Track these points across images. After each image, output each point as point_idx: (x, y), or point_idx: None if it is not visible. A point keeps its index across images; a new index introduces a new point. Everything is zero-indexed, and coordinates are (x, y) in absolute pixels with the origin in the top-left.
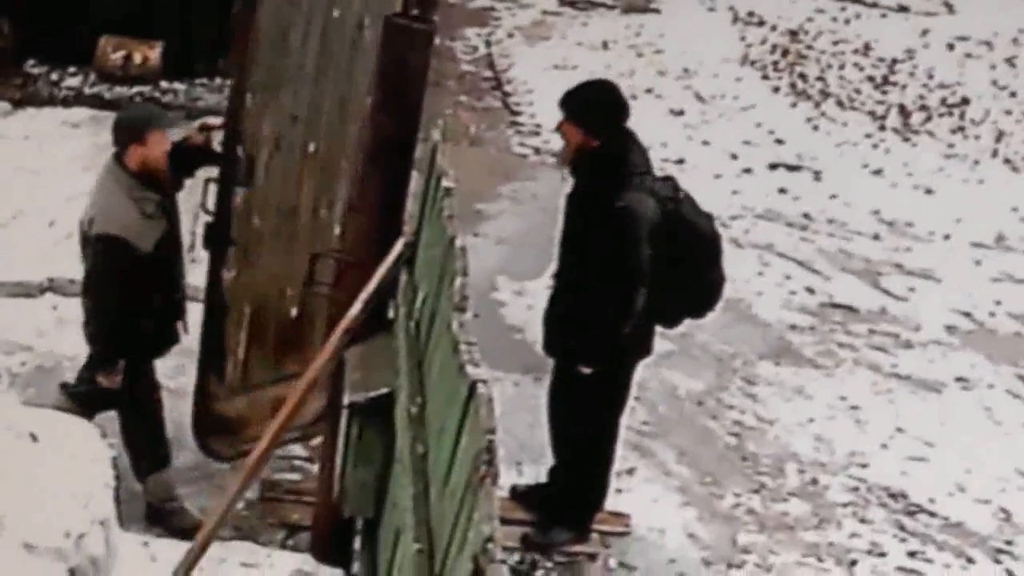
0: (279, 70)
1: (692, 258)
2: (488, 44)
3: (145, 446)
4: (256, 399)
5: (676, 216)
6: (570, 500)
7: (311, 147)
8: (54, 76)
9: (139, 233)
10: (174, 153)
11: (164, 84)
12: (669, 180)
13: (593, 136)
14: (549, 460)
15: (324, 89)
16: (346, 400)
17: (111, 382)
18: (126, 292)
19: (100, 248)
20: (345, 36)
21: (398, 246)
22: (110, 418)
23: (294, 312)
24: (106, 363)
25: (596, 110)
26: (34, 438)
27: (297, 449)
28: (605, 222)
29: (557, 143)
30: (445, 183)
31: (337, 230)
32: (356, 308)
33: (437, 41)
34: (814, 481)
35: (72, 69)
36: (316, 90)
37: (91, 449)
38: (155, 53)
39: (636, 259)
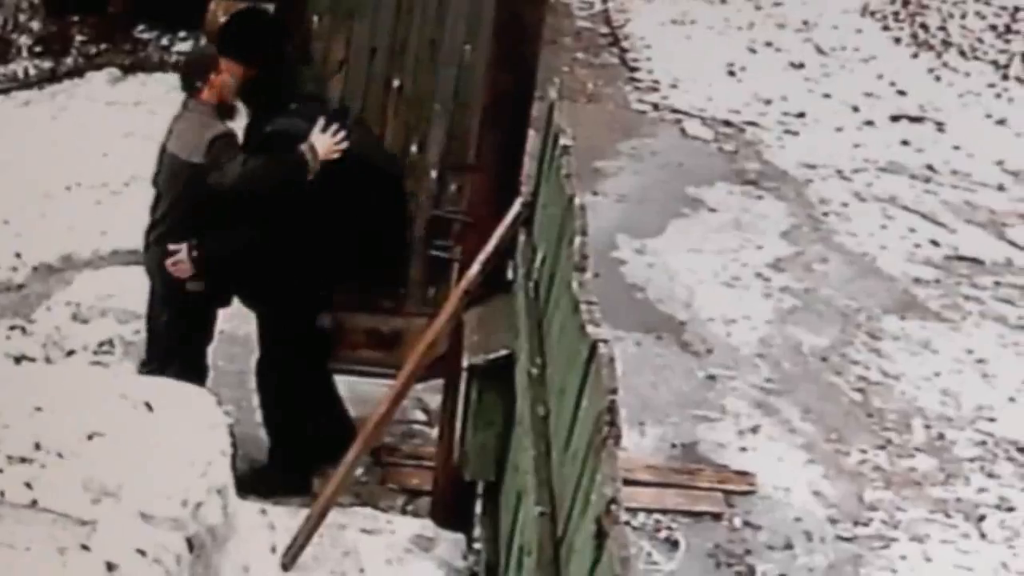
0: None
1: (359, 192)
2: (604, 0)
3: None
4: (344, 321)
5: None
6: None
7: (395, 83)
8: (164, 41)
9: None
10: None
11: None
12: (341, 107)
13: (250, 66)
14: (674, 420)
15: (409, 27)
16: (465, 362)
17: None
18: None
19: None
20: None
21: (516, 206)
22: (222, 384)
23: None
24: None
25: (248, 41)
26: (149, 407)
27: (416, 413)
28: (259, 149)
29: (677, 98)
30: (563, 141)
31: (434, 174)
32: (475, 269)
33: None
34: (941, 436)
35: (182, 33)
36: (398, 26)
37: (207, 417)
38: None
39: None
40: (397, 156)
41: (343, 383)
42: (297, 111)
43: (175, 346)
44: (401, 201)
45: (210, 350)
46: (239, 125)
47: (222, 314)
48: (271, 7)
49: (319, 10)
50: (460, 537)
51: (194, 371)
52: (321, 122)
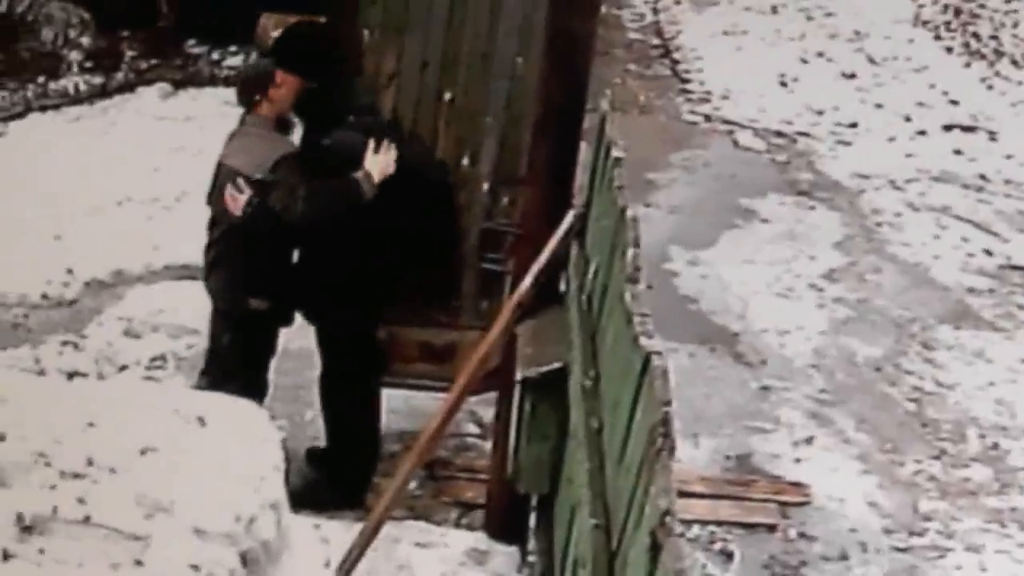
0: (400, 10)
1: (414, 203)
2: (655, 11)
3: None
4: (397, 335)
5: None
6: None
7: (447, 95)
8: (215, 55)
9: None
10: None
11: None
12: (394, 120)
13: (307, 80)
14: (728, 431)
15: (460, 40)
16: (519, 375)
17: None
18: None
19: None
20: None
21: (568, 218)
22: (274, 398)
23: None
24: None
25: (306, 53)
26: (202, 422)
27: (470, 427)
28: (317, 163)
29: (729, 110)
30: (615, 153)
31: (486, 187)
32: (527, 282)
33: (604, 9)
34: (995, 446)
35: (233, 48)
36: (449, 39)
37: (259, 432)
38: None
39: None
40: (447, 164)
41: (398, 396)
42: (352, 124)
43: (237, 366)
44: (452, 209)
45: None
46: (294, 137)
47: None
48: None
49: (371, 24)
50: (514, 550)
51: (255, 390)
52: (372, 144)
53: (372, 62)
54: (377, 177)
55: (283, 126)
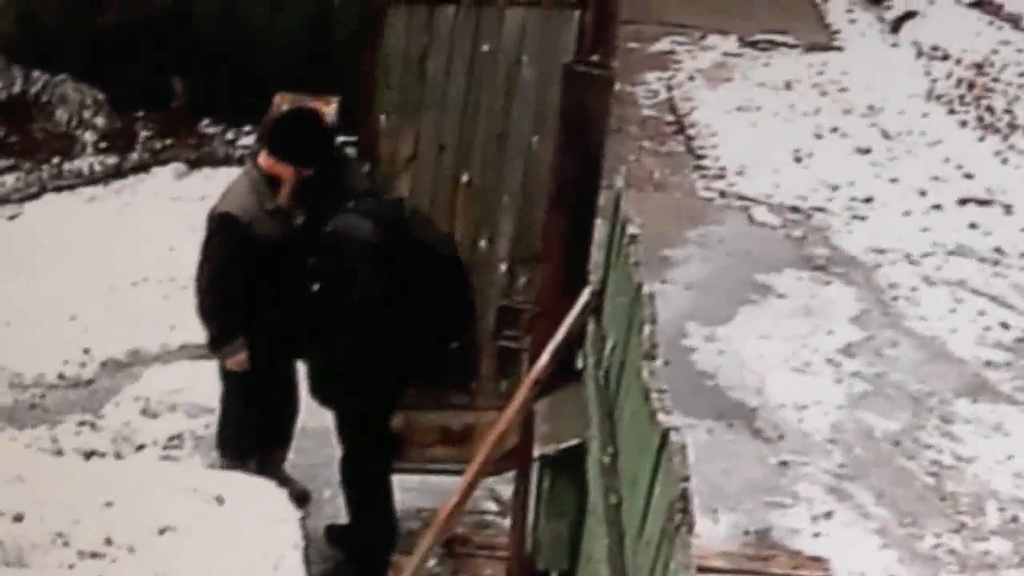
0: (416, 94)
1: (426, 281)
2: (669, 88)
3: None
4: (415, 420)
5: (403, 237)
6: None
7: (464, 177)
8: (229, 135)
9: (254, 218)
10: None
11: (341, 138)
12: (397, 200)
13: (303, 167)
14: (747, 506)
15: (476, 122)
16: (536, 452)
17: (234, 363)
18: (235, 272)
19: (213, 225)
20: (498, 71)
21: (584, 295)
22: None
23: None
24: (220, 342)
25: (298, 143)
26: (220, 501)
27: (488, 504)
28: (320, 249)
29: (744, 185)
30: (630, 229)
31: (503, 267)
32: (544, 359)
33: (618, 86)
34: (1015, 519)
35: (247, 128)
36: (466, 121)
37: (278, 510)
38: (332, 108)
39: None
40: (453, 237)
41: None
42: (354, 208)
43: (245, 434)
44: (464, 280)
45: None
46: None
47: None
48: (331, 108)
49: (387, 108)
50: None
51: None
52: None
53: (389, 145)
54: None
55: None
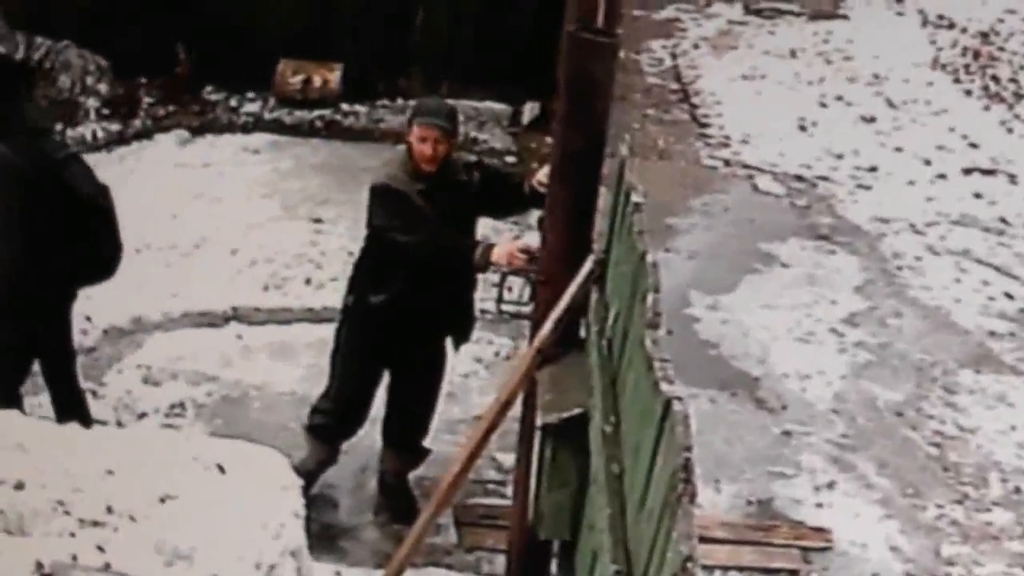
0: None
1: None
2: (674, 56)
3: None
4: None
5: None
6: None
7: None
8: (232, 102)
9: (410, 191)
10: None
11: (345, 107)
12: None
13: None
14: (749, 477)
15: None
16: (539, 421)
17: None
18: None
19: (375, 197)
20: None
21: (588, 264)
22: (295, 446)
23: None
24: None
25: None
26: (221, 469)
27: (491, 473)
28: None
29: (748, 154)
30: (634, 198)
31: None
32: (547, 327)
33: (622, 54)
34: (1018, 490)
35: (250, 94)
36: None
37: (279, 478)
38: (335, 76)
39: None
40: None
41: None
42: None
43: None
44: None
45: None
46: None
47: (296, 375)
48: (335, 74)
49: None
50: None
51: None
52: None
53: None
54: (496, 259)
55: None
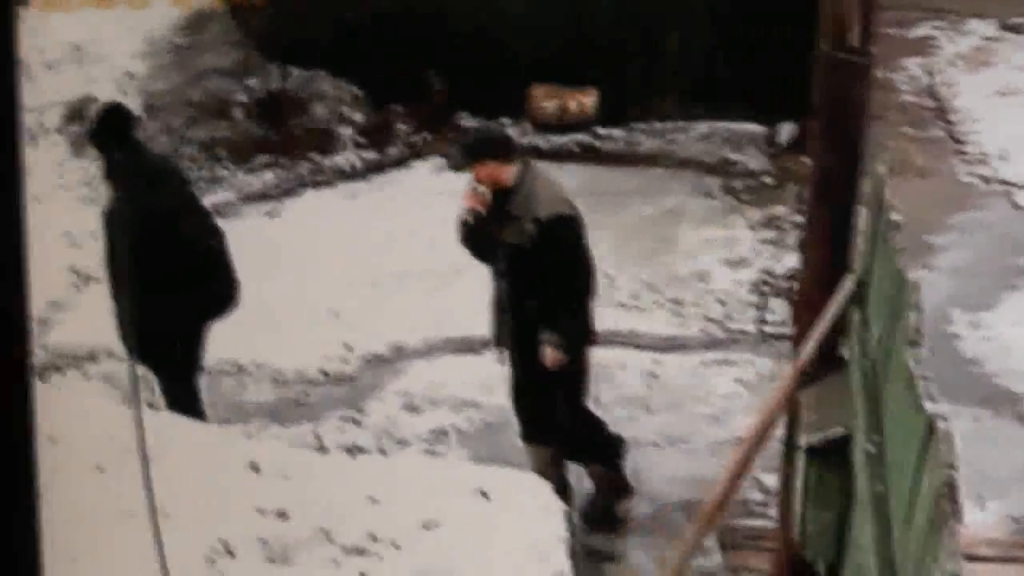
0: None
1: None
2: (929, 74)
3: None
4: None
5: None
6: None
7: None
8: None
9: None
10: None
11: (600, 131)
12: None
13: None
14: (1014, 492)
15: None
16: (803, 442)
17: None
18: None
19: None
20: None
21: (848, 283)
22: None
23: None
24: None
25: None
26: (485, 495)
27: (755, 494)
28: None
29: (1006, 170)
30: (893, 217)
31: None
32: (809, 347)
33: (878, 73)
34: None
35: (505, 120)
36: None
37: (542, 504)
38: (590, 100)
39: None
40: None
41: (682, 465)
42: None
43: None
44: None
45: None
46: None
47: None
48: (590, 100)
49: None
50: None
51: None
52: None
53: None
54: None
55: None
